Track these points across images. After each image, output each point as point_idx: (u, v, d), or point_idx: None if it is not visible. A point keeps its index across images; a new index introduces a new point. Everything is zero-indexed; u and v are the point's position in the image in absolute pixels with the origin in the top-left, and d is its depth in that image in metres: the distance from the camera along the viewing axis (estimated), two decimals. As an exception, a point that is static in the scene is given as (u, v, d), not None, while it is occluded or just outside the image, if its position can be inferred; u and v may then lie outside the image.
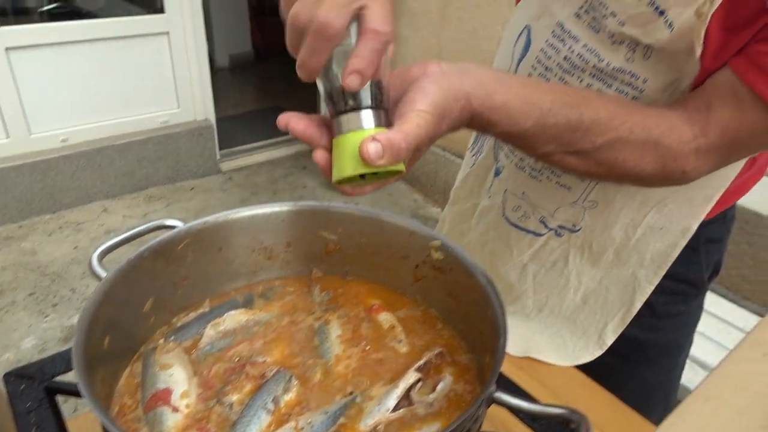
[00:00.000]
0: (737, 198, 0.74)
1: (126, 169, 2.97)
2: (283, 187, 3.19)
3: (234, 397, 0.53)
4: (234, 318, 0.63)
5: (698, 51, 0.53)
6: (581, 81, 0.63)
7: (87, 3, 2.94)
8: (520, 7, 0.71)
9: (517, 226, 0.77)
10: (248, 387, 0.54)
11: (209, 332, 0.61)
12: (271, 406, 0.52)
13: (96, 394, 0.46)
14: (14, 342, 2.05)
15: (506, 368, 0.70)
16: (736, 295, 1.80)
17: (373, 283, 0.69)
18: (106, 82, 2.83)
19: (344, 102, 0.45)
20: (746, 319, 1.68)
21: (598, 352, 0.75)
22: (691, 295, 0.79)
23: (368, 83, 0.44)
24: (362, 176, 0.45)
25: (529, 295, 0.79)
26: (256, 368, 0.56)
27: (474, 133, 0.85)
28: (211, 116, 3.21)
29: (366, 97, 0.45)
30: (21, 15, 2.80)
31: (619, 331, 0.74)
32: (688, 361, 0.87)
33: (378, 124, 0.45)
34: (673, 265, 0.70)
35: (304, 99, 2.83)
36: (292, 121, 0.47)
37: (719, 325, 1.63)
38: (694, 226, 0.68)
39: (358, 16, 0.43)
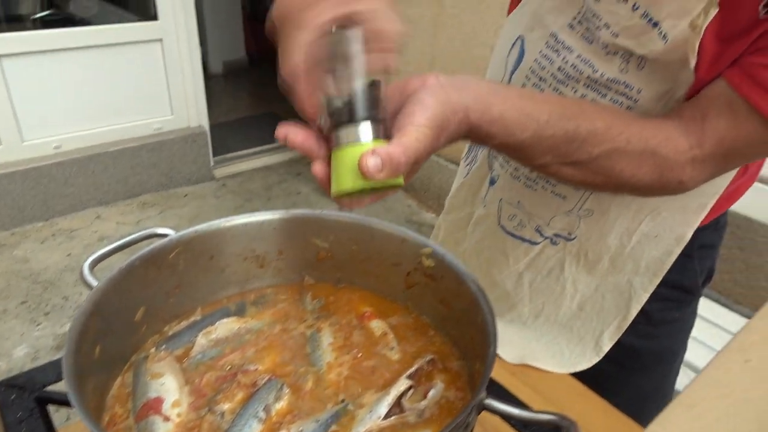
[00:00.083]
0: (730, 204, 0.75)
1: (119, 176, 2.96)
2: (277, 194, 3.19)
3: (225, 406, 0.53)
4: (226, 326, 0.63)
5: (692, 62, 0.53)
6: (575, 91, 0.63)
7: (80, 10, 2.94)
8: (513, 18, 0.72)
9: (512, 235, 0.77)
10: (240, 395, 0.54)
11: (201, 341, 0.61)
12: (262, 414, 0.52)
13: (87, 404, 0.45)
14: (6, 350, 2.03)
15: (499, 375, 0.70)
16: (728, 300, 1.81)
17: (364, 291, 0.69)
18: (99, 88, 2.82)
19: (342, 115, 0.45)
20: (738, 323, 1.69)
21: (596, 359, 0.75)
22: (685, 301, 0.79)
23: (366, 95, 0.44)
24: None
25: (525, 303, 0.79)
26: (248, 376, 0.56)
27: (468, 143, 0.85)
28: (205, 123, 3.20)
29: (364, 109, 0.45)
30: (14, 22, 2.78)
31: (616, 338, 0.74)
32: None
33: (377, 137, 0.45)
34: (668, 272, 0.70)
35: (298, 105, 2.83)
36: (290, 133, 0.47)
37: (711, 329, 1.64)
38: (689, 234, 0.68)
39: (358, 21, 0.44)
